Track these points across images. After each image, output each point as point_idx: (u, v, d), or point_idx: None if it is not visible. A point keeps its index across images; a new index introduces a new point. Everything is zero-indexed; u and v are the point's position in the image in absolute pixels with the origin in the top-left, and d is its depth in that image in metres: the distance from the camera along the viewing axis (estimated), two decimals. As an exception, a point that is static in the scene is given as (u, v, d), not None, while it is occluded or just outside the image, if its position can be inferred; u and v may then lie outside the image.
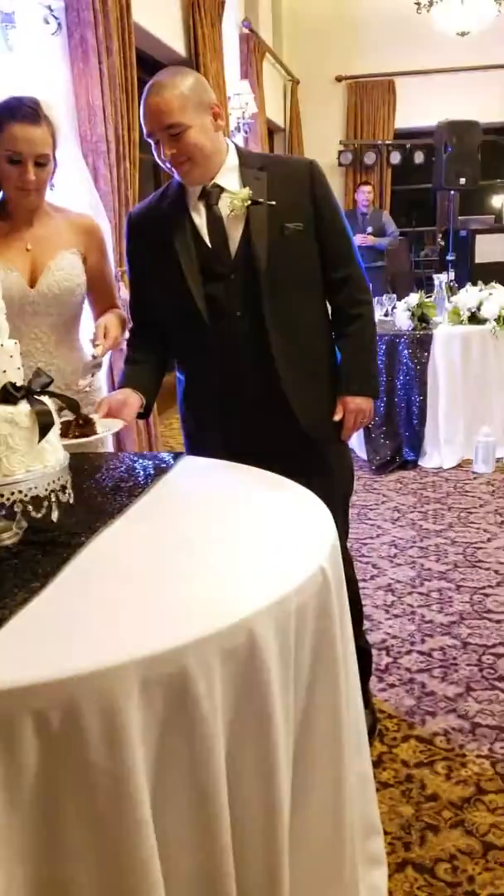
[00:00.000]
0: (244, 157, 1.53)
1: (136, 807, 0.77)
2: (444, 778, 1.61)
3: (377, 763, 1.64)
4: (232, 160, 1.50)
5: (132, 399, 1.49)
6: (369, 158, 7.96)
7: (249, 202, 1.45)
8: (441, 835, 1.45)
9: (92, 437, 1.26)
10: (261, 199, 1.46)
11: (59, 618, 0.87)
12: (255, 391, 1.53)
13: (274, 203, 1.46)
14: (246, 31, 6.17)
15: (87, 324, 1.74)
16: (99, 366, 1.61)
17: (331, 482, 1.50)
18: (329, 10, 7.67)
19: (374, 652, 2.02)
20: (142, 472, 1.40)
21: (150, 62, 4.44)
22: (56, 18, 2.93)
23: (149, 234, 1.55)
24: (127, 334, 1.67)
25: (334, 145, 8.03)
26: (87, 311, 1.73)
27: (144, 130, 1.44)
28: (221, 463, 1.42)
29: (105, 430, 1.29)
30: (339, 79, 8.13)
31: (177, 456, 1.49)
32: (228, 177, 1.49)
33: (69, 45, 3.14)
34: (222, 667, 0.82)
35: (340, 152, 8.01)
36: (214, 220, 1.48)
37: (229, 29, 5.61)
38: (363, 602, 2.10)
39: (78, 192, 1.78)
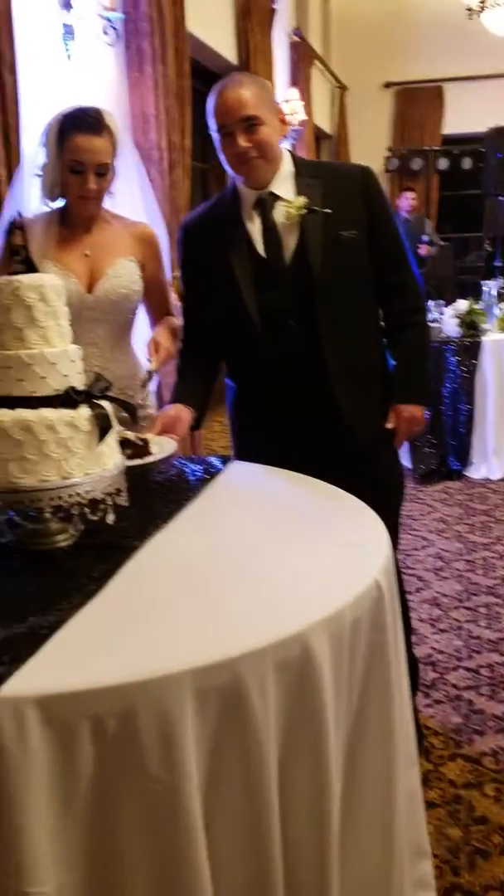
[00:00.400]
0: (299, 164, 1.52)
1: (188, 815, 0.76)
2: (494, 800, 1.56)
3: (423, 781, 1.59)
4: (287, 167, 1.50)
5: (185, 415, 1.50)
6: (416, 164, 7.88)
7: (305, 210, 1.44)
8: (492, 860, 1.41)
9: (147, 460, 1.27)
10: (316, 208, 1.45)
11: (114, 622, 0.87)
12: (306, 399, 1.52)
13: (330, 211, 1.45)
14: (296, 38, 6.19)
15: (141, 330, 1.76)
16: (155, 378, 1.65)
17: (381, 492, 1.47)
18: (378, 17, 7.64)
19: (419, 667, 1.97)
20: (192, 477, 1.40)
21: (201, 70, 4.49)
22: (115, 29, 2.99)
23: (202, 242, 1.55)
24: (179, 344, 1.69)
25: (381, 151, 7.97)
26: (140, 318, 1.75)
27: (214, 125, 1.43)
28: (271, 469, 1.41)
29: (160, 453, 1.31)
30: (386, 85, 8.09)
31: (226, 461, 1.49)
32: (284, 184, 1.48)
33: (126, 55, 3.21)
34: (276, 678, 0.81)
35: (387, 158, 7.96)
36: (269, 229, 1.48)
37: (279, 36, 5.64)
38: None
39: (133, 199, 1.80)
